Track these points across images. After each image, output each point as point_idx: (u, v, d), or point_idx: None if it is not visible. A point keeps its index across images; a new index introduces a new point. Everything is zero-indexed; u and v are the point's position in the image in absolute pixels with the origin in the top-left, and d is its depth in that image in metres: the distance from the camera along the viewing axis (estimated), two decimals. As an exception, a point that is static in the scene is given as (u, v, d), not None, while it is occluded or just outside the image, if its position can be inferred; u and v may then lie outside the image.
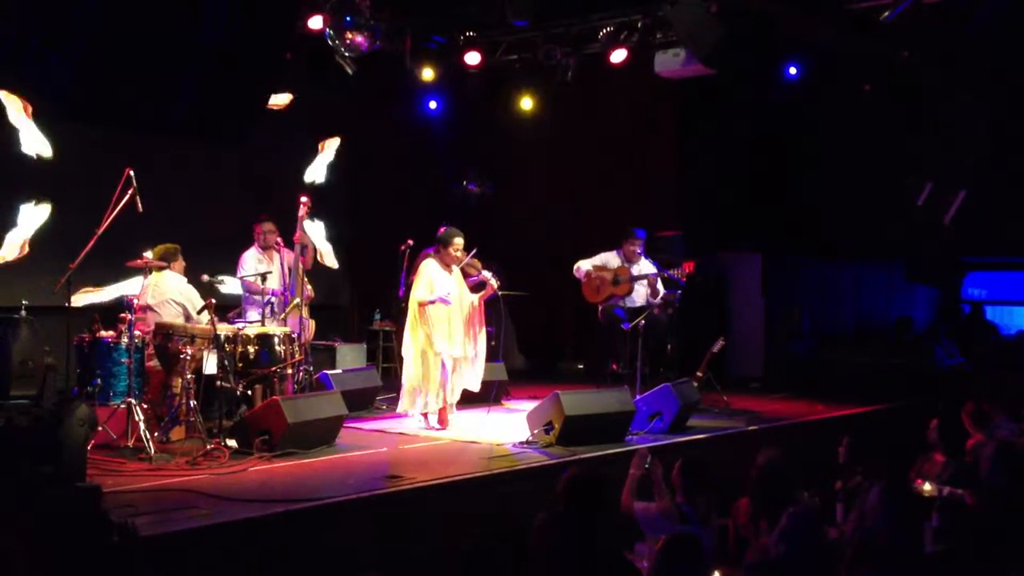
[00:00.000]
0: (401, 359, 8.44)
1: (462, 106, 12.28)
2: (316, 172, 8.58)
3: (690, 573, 4.21)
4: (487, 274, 8.32)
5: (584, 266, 10.06)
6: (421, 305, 8.11)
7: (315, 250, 8.71)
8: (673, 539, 4.32)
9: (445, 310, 8.15)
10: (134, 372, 7.02)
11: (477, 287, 8.45)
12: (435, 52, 11.20)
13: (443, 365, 8.11)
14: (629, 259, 9.95)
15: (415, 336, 8.18)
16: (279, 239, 8.89)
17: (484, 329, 8.39)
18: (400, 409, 8.40)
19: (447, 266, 8.30)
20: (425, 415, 8.23)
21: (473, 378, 8.38)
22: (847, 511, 5.74)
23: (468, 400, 8.64)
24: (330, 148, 8.58)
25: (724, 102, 11.76)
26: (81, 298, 7.46)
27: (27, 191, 9.14)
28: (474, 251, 8.50)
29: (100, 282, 8.43)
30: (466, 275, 8.49)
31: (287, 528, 5.28)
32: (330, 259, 8.75)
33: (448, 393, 8.19)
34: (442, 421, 8.19)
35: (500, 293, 8.44)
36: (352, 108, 11.78)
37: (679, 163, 12.44)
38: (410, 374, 8.21)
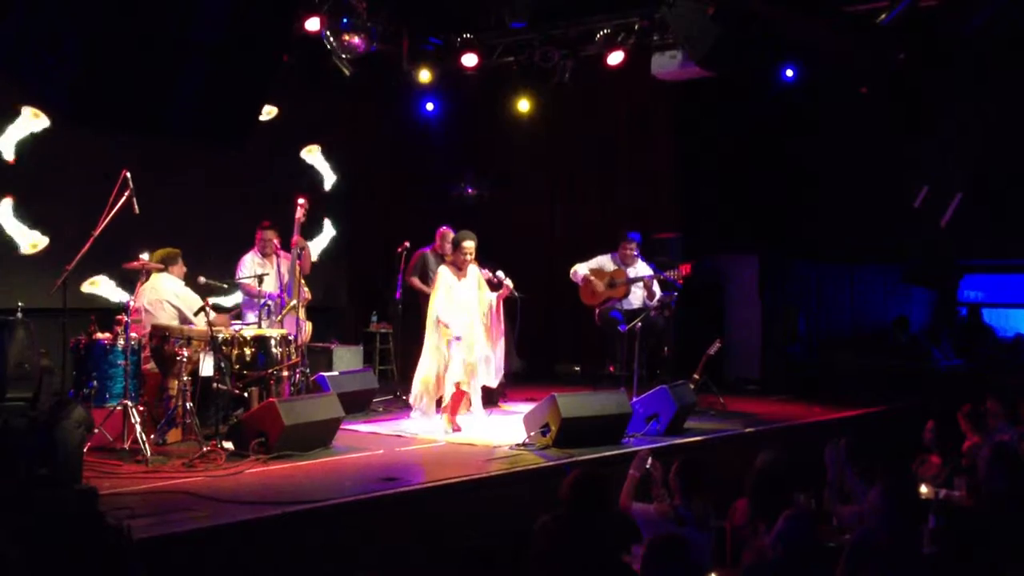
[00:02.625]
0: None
1: (459, 108, 12.27)
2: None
3: (677, 574, 4.19)
4: (500, 274, 8.33)
5: (581, 270, 10.05)
6: (439, 322, 8.08)
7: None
8: (657, 540, 4.31)
9: (463, 317, 8.12)
10: (130, 374, 7.01)
11: (491, 285, 8.44)
12: (432, 54, 11.20)
13: (456, 361, 8.08)
14: (625, 262, 9.94)
15: (430, 335, 8.17)
16: (277, 244, 8.94)
17: (503, 338, 8.38)
18: (414, 404, 8.38)
19: (460, 270, 8.27)
20: (445, 410, 8.16)
21: (488, 377, 8.34)
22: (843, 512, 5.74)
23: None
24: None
25: (721, 104, 11.76)
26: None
27: (25, 190, 9.22)
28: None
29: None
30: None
31: (283, 530, 5.27)
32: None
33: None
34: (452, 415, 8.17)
35: (518, 295, 8.44)
36: (349, 110, 11.79)
37: (676, 165, 12.42)
38: (423, 374, 8.21)
